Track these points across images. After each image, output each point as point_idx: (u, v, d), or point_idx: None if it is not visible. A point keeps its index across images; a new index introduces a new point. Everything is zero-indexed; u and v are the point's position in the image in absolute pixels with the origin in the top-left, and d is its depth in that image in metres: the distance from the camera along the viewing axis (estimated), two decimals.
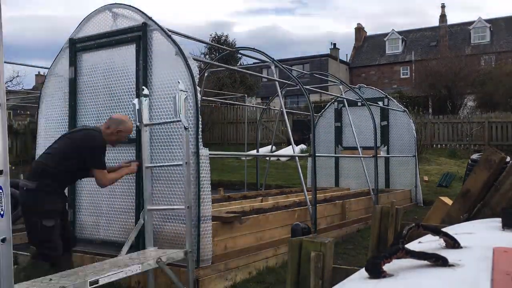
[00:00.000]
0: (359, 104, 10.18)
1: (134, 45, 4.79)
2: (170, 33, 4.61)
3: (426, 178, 13.17)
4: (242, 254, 4.97)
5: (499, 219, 2.14)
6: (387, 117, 11.07)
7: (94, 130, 4.26)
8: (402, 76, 41.19)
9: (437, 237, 1.67)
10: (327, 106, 11.87)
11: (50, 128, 5.49)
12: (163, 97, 4.59)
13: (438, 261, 1.34)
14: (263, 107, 12.71)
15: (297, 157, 6.87)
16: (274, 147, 15.59)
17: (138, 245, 4.58)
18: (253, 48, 7.60)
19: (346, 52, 48.53)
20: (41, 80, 37.45)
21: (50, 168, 4.00)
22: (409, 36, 43.76)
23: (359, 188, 10.31)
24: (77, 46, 5.28)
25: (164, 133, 4.59)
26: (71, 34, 5.37)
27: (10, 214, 1.79)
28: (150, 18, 4.71)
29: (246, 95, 13.78)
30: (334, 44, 44.00)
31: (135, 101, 4.22)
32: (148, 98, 4.25)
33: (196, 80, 4.37)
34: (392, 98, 11.40)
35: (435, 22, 41.66)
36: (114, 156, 4.94)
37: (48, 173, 3.98)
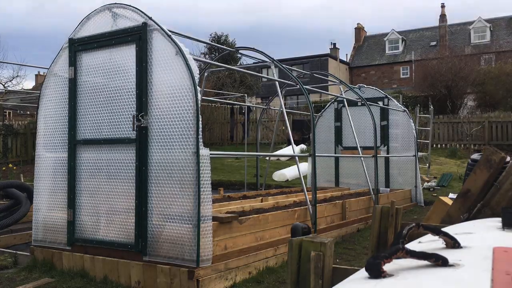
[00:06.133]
0: (359, 104, 10.17)
1: (134, 45, 4.79)
2: (170, 33, 4.61)
3: (426, 178, 13.16)
4: (242, 254, 4.97)
5: (499, 219, 2.15)
6: (387, 117, 11.05)
7: None
8: (402, 76, 41.20)
9: (437, 237, 1.67)
10: (327, 106, 11.86)
11: (49, 128, 5.48)
12: (163, 97, 4.59)
13: (438, 261, 1.34)
14: (263, 107, 12.70)
15: (297, 157, 6.86)
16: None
17: (139, 245, 4.58)
18: (253, 48, 7.58)
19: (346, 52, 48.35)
20: (41, 80, 37.46)
21: None
22: (409, 36, 43.76)
23: (359, 188, 10.31)
24: (77, 46, 5.27)
25: (164, 133, 4.58)
26: (71, 34, 5.36)
27: None
28: (150, 18, 4.71)
29: (246, 95, 13.77)
30: (334, 44, 44.00)
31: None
32: None
33: (197, 80, 4.37)
34: (392, 98, 11.38)
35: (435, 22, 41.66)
36: (114, 156, 4.93)
37: None
